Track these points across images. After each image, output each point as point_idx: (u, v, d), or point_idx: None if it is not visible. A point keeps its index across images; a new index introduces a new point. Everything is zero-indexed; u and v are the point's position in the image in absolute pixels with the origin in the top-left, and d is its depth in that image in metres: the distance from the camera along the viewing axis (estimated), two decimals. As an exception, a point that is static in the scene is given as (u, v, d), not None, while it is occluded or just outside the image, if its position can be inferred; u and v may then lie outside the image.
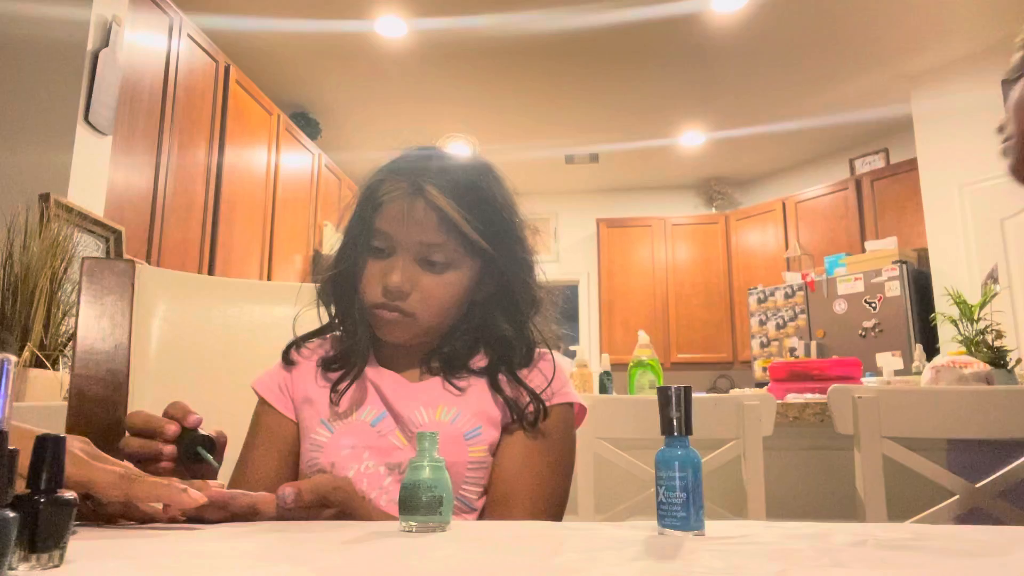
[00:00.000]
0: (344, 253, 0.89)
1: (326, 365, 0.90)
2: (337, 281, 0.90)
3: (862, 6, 3.91)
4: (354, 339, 0.89)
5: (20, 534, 0.38)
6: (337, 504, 0.66)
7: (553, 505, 0.84)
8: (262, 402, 0.90)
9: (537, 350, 0.90)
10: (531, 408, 0.84)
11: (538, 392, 0.85)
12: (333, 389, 0.87)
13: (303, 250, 4.56)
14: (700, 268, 6.28)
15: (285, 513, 0.62)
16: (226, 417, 1.03)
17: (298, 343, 0.93)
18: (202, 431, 0.74)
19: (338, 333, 0.93)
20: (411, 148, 0.91)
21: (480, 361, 0.89)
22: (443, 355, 0.89)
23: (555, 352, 0.92)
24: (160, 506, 0.59)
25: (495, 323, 0.89)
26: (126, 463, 0.62)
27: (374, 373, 0.88)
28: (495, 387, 0.86)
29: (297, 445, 0.88)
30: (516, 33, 4.10)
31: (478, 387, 0.87)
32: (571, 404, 0.89)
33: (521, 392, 0.85)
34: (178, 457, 0.72)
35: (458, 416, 0.83)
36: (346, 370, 0.88)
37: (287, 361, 0.92)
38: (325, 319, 0.92)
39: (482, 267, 0.88)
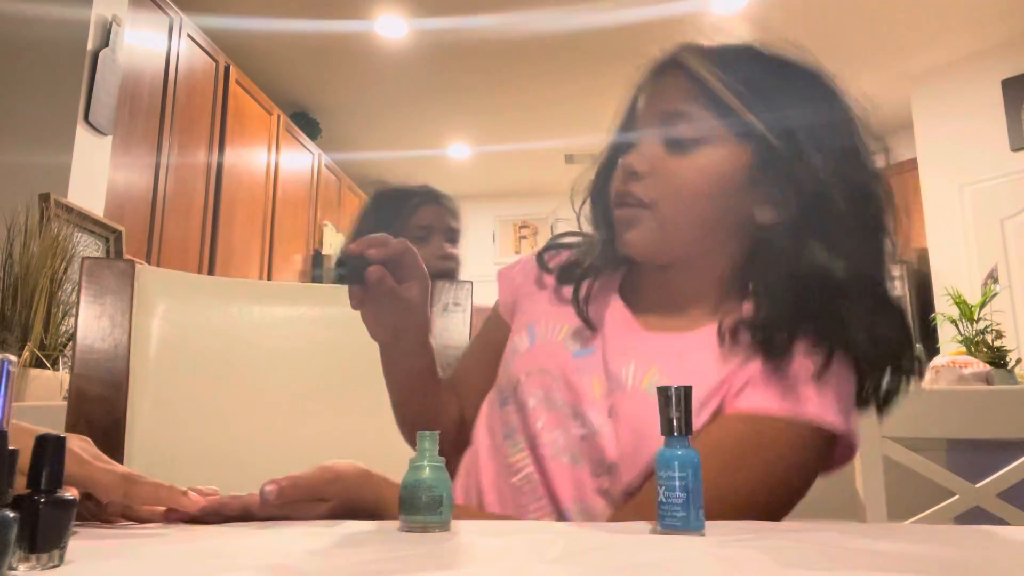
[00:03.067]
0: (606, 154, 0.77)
1: (563, 272, 0.79)
2: (596, 179, 0.78)
3: (862, 6, 3.91)
4: (595, 244, 0.77)
5: (20, 534, 0.38)
6: (334, 497, 0.61)
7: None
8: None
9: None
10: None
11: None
12: (559, 295, 0.77)
13: (303, 250, 4.56)
14: (700, 268, 6.27)
15: (274, 510, 0.58)
16: (226, 417, 1.03)
17: (551, 246, 0.83)
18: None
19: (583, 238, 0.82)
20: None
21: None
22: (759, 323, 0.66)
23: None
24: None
25: (810, 258, 0.66)
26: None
27: (611, 308, 0.75)
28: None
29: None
30: (516, 33, 4.09)
31: (709, 347, 0.66)
32: (830, 433, 0.65)
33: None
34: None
35: None
36: (578, 278, 0.77)
37: (540, 263, 0.82)
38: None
39: (762, 161, 0.67)
